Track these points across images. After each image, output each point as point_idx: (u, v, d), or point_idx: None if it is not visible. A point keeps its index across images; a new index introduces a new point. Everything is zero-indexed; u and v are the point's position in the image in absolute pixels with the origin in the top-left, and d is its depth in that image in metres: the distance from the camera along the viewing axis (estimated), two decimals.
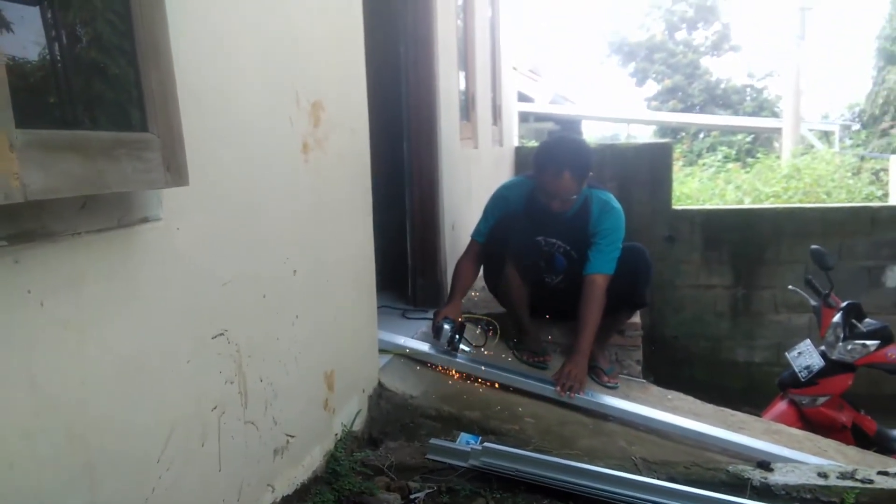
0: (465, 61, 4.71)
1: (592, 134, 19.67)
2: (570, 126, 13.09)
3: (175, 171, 1.16)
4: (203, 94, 1.40)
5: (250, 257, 1.63)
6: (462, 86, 4.53)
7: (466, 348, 3.02)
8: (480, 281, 3.37)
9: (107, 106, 1.04)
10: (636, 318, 3.56)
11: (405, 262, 3.72)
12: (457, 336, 2.94)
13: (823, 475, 2.15)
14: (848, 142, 16.54)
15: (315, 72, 1.98)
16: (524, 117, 12.19)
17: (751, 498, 1.97)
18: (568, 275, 3.20)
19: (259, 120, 1.66)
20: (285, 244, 1.81)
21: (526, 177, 3.17)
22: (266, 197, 1.71)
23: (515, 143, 7.58)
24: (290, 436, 1.82)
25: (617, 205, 3.07)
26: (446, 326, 2.93)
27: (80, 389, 1.10)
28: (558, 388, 2.84)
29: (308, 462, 1.94)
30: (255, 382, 1.64)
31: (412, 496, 1.96)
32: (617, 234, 3.02)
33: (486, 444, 2.16)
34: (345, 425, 2.21)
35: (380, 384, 2.55)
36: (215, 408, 1.47)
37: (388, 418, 2.46)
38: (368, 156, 2.47)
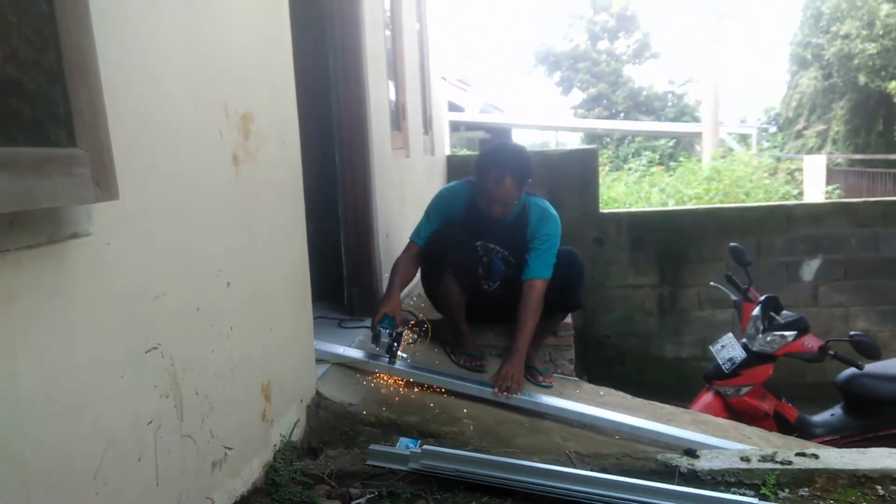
0: (395, 72, 4.75)
1: (522, 142, 19.98)
2: (500, 134, 13.29)
3: (105, 186, 1.16)
4: (132, 108, 1.39)
5: (182, 270, 1.63)
6: (392, 96, 4.57)
7: (404, 355, 3.04)
8: (418, 287, 3.40)
9: (35, 123, 1.04)
10: (568, 319, 3.67)
11: (340, 272, 3.72)
12: (395, 345, 2.96)
13: (746, 459, 2.26)
14: (765, 144, 17.35)
15: (244, 84, 1.99)
16: (455, 126, 12.32)
17: (679, 484, 2.07)
18: (505, 281, 3.26)
19: (189, 133, 1.66)
20: (218, 257, 1.81)
21: (467, 182, 3.21)
22: (198, 210, 1.71)
23: (447, 151, 7.66)
24: (228, 448, 1.82)
25: (554, 212, 3.16)
26: (384, 331, 2.93)
27: (14, 409, 1.09)
28: (496, 390, 2.89)
29: (247, 474, 1.94)
30: (190, 396, 1.63)
31: (353, 502, 1.98)
32: (555, 240, 3.10)
33: (425, 446, 2.20)
34: (283, 436, 2.21)
35: (318, 393, 2.56)
36: (151, 422, 1.46)
37: (328, 427, 2.47)
38: (300, 166, 2.48)
